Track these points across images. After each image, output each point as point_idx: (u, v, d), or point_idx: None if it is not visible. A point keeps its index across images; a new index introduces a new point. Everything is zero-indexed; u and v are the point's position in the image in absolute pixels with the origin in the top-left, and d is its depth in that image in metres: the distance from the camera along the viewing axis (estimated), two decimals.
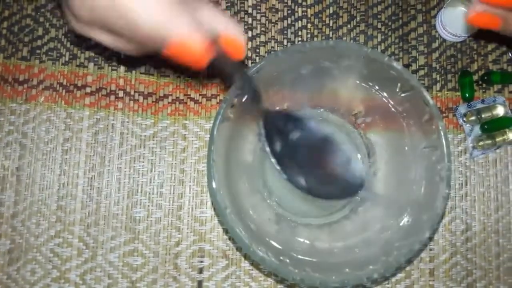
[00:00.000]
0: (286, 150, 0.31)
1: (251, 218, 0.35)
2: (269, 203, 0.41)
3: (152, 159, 0.43)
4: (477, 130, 0.43)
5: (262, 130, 0.31)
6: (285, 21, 0.45)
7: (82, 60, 0.44)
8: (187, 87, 0.43)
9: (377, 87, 0.35)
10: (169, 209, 0.42)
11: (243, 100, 0.33)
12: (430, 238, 0.42)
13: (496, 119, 0.43)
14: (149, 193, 0.42)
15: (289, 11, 0.45)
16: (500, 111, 0.43)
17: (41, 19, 0.44)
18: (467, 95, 0.43)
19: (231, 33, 0.27)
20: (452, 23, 0.43)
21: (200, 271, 0.41)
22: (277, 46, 0.45)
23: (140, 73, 0.44)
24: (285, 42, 0.45)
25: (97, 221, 0.42)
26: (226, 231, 0.42)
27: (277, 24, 0.45)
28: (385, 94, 0.35)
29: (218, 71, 0.28)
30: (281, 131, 0.32)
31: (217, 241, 0.42)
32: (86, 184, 0.42)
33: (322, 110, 0.41)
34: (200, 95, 0.43)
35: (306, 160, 0.33)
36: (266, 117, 0.30)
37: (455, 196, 0.43)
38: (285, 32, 0.45)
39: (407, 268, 0.42)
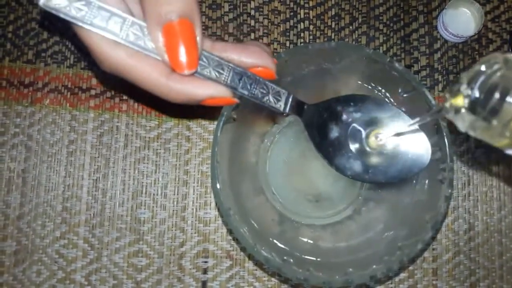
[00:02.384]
0: (334, 139, 0.30)
1: (254, 219, 0.35)
2: (273, 204, 0.41)
3: (156, 161, 0.43)
4: None
5: (305, 127, 0.30)
6: (288, 23, 0.45)
7: (86, 62, 0.44)
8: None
9: (379, 88, 0.35)
10: (173, 210, 0.42)
11: (246, 101, 0.33)
12: (433, 238, 0.42)
13: None
14: (154, 194, 0.43)
15: (291, 13, 0.45)
16: None
17: (46, 23, 0.45)
18: None
19: (259, 64, 0.26)
20: (453, 24, 0.44)
21: (205, 271, 0.42)
22: (280, 47, 0.45)
23: None
24: (287, 43, 0.45)
25: (102, 222, 0.42)
26: (230, 232, 0.42)
27: (280, 26, 0.45)
28: (387, 95, 0.35)
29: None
30: (326, 122, 0.30)
31: (221, 241, 0.42)
32: (91, 186, 0.43)
33: None
34: None
35: (359, 144, 0.31)
36: (309, 112, 0.29)
37: (458, 196, 0.43)
38: (288, 34, 0.45)
39: (410, 268, 0.42)
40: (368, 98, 0.31)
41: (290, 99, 0.28)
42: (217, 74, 0.25)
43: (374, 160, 0.31)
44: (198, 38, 0.23)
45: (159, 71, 0.23)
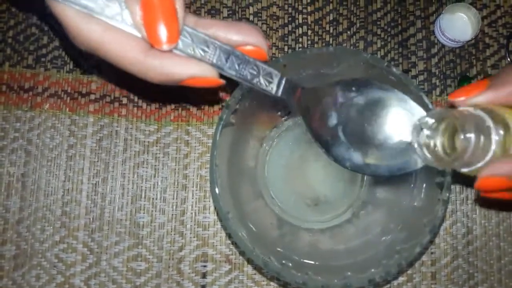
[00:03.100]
0: (333, 127, 0.28)
1: (253, 223, 0.35)
2: (271, 208, 0.41)
3: (155, 165, 0.43)
4: None
5: (300, 113, 0.27)
6: (286, 28, 0.45)
7: (86, 67, 0.44)
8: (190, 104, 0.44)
9: None
10: (172, 214, 0.43)
11: (245, 105, 0.33)
12: (432, 242, 0.42)
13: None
14: (153, 199, 0.43)
15: (290, 18, 0.46)
16: None
17: (46, 28, 0.45)
18: None
19: (249, 42, 0.24)
20: (450, 29, 0.44)
21: (204, 275, 0.42)
22: (278, 52, 0.45)
23: None
24: (286, 48, 0.45)
25: (101, 226, 0.42)
26: (229, 236, 0.42)
27: (278, 31, 0.45)
28: None
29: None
30: (324, 108, 0.27)
31: (220, 245, 0.42)
32: (90, 190, 0.43)
33: None
34: (202, 101, 0.44)
35: (360, 133, 0.28)
36: (306, 96, 0.27)
37: (456, 200, 0.43)
38: (286, 39, 0.45)
39: (409, 272, 0.42)
40: (371, 83, 0.28)
41: (283, 82, 0.25)
42: (201, 52, 0.23)
43: (376, 151, 0.28)
44: (179, 11, 0.22)
45: (137, 48, 0.22)
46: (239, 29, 0.24)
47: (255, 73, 0.24)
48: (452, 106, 0.27)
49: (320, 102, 0.28)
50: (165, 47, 0.22)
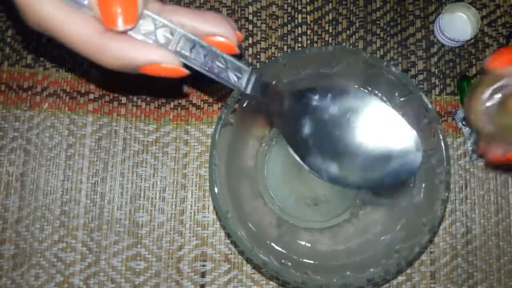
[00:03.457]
0: (308, 133, 0.26)
1: (252, 222, 0.35)
2: (271, 207, 0.41)
3: (154, 164, 0.43)
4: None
5: (271, 114, 0.25)
6: (285, 28, 0.45)
7: (85, 67, 0.44)
8: (189, 93, 0.44)
9: (376, 92, 0.36)
10: (171, 214, 0.42)
11: (244, 105, 0.33)
12: (431, 241, 0.42)
13: None
14: (152, 198, 0.43)
15: (289, 18, 0.45)
16: None
17: None
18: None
19: (217, 33, 0.22)
20: (450, 29, 0.44)
21: (203, 275, 0.42)
22: (278, 52, 0.45)
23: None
24: (285, 48, 0.45)
25: (100, 226, 0.42)
26: (228, 235, 0.42)
27: (277, 30, 0.45)
28: (384, 98, 0.36)
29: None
30: (299, 111, 0.25)
31: (219, 245, 0.42)
32: (89, 190, 0.43)
33: None
34: (201, 100, 0.44)
35: (336, 142, 0.26)
36: (277, 97, 0.25)
37: (455, 199, 0.43)
38: (285, 38, 0.45)
39: (408, 271, 0.42)
40: (349, 89, 0.26)
41: (253, 79, 0.23)
42: (163, 39, 0.21)
43: (354, 161, 0.26)
44: None
45: (92, 28, 0.20)
46: (208, 18, 0.22)
47: (222, 66, 0.23)
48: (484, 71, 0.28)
49: (294, 105, 0.26)
50: (120, 26, 0.20)
